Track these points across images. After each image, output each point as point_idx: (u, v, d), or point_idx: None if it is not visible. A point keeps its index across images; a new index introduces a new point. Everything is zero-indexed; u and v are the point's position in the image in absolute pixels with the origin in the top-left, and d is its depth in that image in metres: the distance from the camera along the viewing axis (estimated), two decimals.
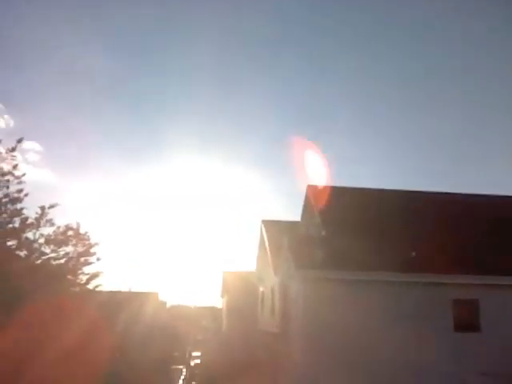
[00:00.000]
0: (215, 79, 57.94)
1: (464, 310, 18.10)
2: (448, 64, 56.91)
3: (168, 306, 46.00)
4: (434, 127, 62.90)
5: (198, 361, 39.49)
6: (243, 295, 30.28)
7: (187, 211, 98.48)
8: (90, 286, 15.41)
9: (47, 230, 13.26)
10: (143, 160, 74.77)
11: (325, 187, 21.90)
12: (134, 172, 76.24)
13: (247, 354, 26.90)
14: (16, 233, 12.47)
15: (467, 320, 18.13)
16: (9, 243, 12.84)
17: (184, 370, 37.22)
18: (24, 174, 12.37)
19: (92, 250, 14.56)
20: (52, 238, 13.21)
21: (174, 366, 35.67)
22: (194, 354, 44.02)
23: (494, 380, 17.00)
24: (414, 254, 18.20)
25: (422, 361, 17.14)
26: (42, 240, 13.12)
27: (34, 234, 12.83)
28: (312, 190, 21.91)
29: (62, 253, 13.81)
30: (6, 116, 55.88)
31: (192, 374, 37.23)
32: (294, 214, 24.08)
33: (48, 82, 49.59)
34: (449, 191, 23.49)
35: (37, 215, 12.54)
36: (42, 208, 12.59)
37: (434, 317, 17.77)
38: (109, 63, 52.68)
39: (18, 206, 12.24)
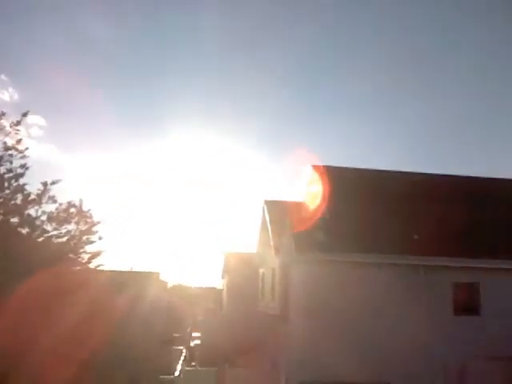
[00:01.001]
0: (219, 53, 57.08)
1: (464, 294, 18.18)
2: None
3: (169, 286, 46.10)
4: (441, 110, 62.49)
5: (198, 341, 39.73)
6: (244, 276, 30.32)
7: (189, 189, 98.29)
8: (92, 266, 15.37)
9: (49, 207, 13.16)
10: (146, 137, 74.26)
11: (329, 168, 21.80)
12: (137, 149, 75.69)
13: (247, 336, 27.02)
14: (18, 209, 12.39)
15: (467, 303, 18.21)
16: (11, 220, 12.77)
17: (184, 350, 37.43)
18: (27, 149, 12.25)
19: (94, 229, 14.48)
20: (54, 215, 13.12)
21: (174, 347, 35.86)
22: (194, 334, 44.27)
23: (493, 363, 17.10)
24: (416, 236, 18.21)
25: (421, 343, 17.23)
26: (44, 217, 13.03)
27: (37, 210, 12.74)
28: (316, 171, 21.80)
29: (64, 231, 13.73)
30: (10, 89, 55.11)
31: (192, 354, 37.48)
32: (297, 194, 24.09)
33: (54, 54, 48.99)
34: (453, 173, 23.45)
35: (39, 191, 12.44)
36: (45, 184, 12.47)
37: (434, 300, 17.83)
38: (114, 33, 51.91)
39: (21, 181, 12.15)
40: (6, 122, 12.13)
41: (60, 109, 62.47)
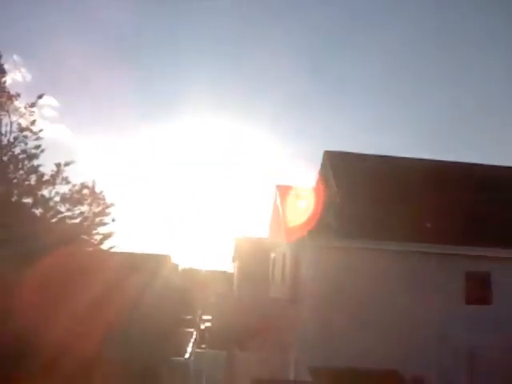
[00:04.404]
0: (232, 31, 56.70)
1: (476, 283, 18.04)
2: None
3: (180, 268, 46.39)
4: (455, 95, 61.63)
5: (208, 324, 40.09)
6: (255, 261, 30.42)
7: (201, 172, 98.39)
8: (104, 247, 15.49)
9: (63, 189, 13.28)
10: (159, 117, 74.14)
11: (342, 153, 21.68)
12: (150, 129, 75.65)
13: (257, 319, 27.17)
14: (32, 190, 12.50)
15: (479, 292, 18.10)
16: (24, 201, 12.90)
17: (195, 333, 37.78)
18: (41, 130, 12.34)
19: (107, 211, 14.59)
20: (67, 196, 13.23)
21: (185, 329, 36.22)
22: (205, 317, 44.66)
23: (503, 353, 17.04)
24: (429, 224, 18.07)
25: (432, 331, 17.20)
26: (57, 198, 13.16)
27: (50, 191, 12.88)
28: (329, 156, 21.71)
29: (77, 212, 13.87)
30: (22, 69, 55.11)
31: (202, 337, 37.84)
32: (309, 179, 24.15)
33: (66, 34, 48.90)
34: (467, 161, 23.23)
35: (52, 172, 12.54)
36: (58, 165, 12.59)
37: (445, 288, 17.75)
38: (127, 13, 51.71)
39: (35, 162, 12.26)
40: (20, 104, 12.22)
41: (72, 89, 62.50)
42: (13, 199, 12.51)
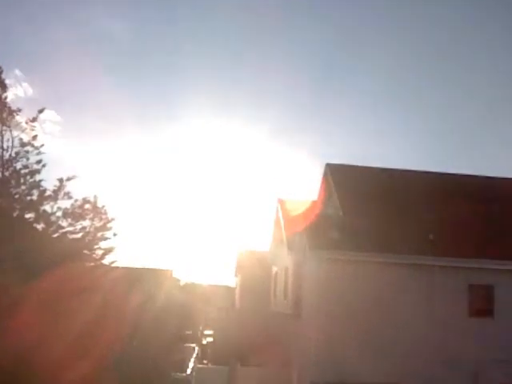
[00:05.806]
0: (235, 38, 56.94)
1: (479, 296, 17.97)
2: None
3: (181, 283, 46.21)
4: (459, 108, 61.71)
5: (210, 339, 39.81)
6: (257, 275, 30.34)
7: (202, 185, 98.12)
8: (105, 262, 15.43)
9: (65, 203, 13.27)
10: (161, 130, 74.38)
11: (344, 166, 21.72)
12: (151, 142, 75.78)
13: (260, 334, 27.00)
14: (34, 205, 12.51)
15: (482, 306, 18.01)
16: (27, 216, 12.90)
17: (196, 348, 37.53)
18: (43, 145, 12.39)
19: (109, 225, 14.56)
20: (69, 211, 13.22)
21: (186, 344, 35.97)
22: (207, 332, 44.37)
23: (507, 366, 16.92)
24: (431, 236, 18.03)
25: (435, 344, 17.08)
26: (59, 213, 13.15)
27: (52, 206, 12.87)
28: (331, 169, 21.73)
29: (78, 227, 13.84)
30: (24, 84, 55.52)
31: (204, 352, 37.58)
32: (310, 192, 24.19)
33: (67, 48, 49.41)
34: (470, 173, 23.24)
35: (55, 187, 12.56)
36: (60, 180, 12.60)
37: (448, 301, 17.66)
38: (126, 24, 52.05)
39: (37, 177, 12.28)
40: (21, 118, 12.27)
41: (74, 104, 62.66)
42: (14, 214, 12.51)
